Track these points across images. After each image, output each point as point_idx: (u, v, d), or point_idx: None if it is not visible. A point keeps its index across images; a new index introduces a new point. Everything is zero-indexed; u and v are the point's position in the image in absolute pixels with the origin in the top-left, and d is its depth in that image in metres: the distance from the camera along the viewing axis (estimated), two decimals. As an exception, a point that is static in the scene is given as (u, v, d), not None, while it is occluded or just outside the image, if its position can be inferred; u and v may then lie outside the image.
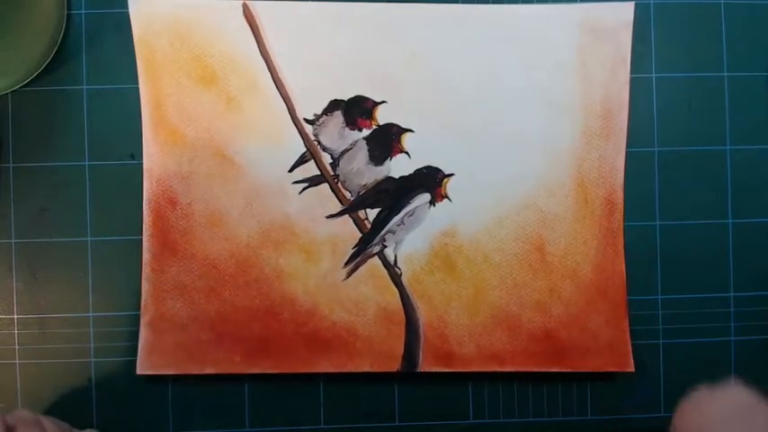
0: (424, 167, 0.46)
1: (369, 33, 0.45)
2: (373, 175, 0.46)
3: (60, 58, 0.45)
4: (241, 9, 0.45)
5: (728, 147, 0.46)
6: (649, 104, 0.46)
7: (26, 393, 0.45)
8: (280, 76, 0.45)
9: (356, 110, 0.45)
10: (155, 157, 0.45)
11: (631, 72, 0.45)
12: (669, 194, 0.46)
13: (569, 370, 0.45)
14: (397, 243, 0.45)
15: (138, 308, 0.44)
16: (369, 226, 0.45)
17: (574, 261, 0.46)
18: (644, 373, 0.45)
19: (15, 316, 0.45)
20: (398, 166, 0.45)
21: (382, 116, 0.45)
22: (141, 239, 0.44)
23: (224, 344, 0.45)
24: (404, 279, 0.45)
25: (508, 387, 0.46)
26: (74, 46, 0.45)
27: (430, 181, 0.45)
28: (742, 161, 0.46)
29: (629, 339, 0.45)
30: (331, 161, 0.46)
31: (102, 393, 0.45)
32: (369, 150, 0.45)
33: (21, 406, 0.44)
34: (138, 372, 0.44)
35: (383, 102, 0.45)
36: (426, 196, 0.45)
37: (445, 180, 0.45)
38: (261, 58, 0.45)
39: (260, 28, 0.45)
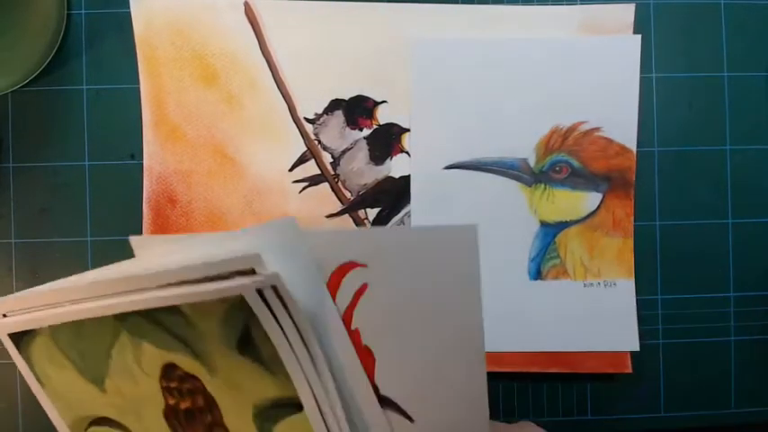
0: (425, 167, 0.46)
1: (370, 33, 0.45)
2: (374, 174, 0.46)
3: (60, 58, 0.45)
4: (242, 8, 0.45)
5: (728, 147, 0.46)
6: (649, 104, 0.46)
7: (26, 393, 0.44)
8: (281, 74, 0.45)
9: (357, 109, 0.45)
10: (155, 155, 0.45)
11: (631, 72, 0.46)
12: (669, 194, 0.46)
13: (568, 371, 0.45)
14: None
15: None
16: (369, 226, 0.45)
17: (574, 261, 0.47)
18: (644, 373, 0.45)
19: (15, 316, 0.45)
20: (398, 166, 0.45)
21: (382, 116, 0.45)
22: (141, 239, 0.44)
23: (224, 344, 0.45)
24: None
25: (508, 387, 0.46)
26: (74, 46, 0.45)
27: (430, 180, 0.46)
28: (742, 161, 0.46)
29: (629, 339, 0.45)
30: (331, 160, 0.46)
31: (102, 393, 0.45)
32: (369, 150, 0.46)
33: (20, 406, 0.44)
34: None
35: (384, 101, 0.45)
36: (427, 196, 0.46)
37: (446, 180, 0.46)
38: (262, 56, 0.45)
39: (261, 26, 0.45)
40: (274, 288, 0.30)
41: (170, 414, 0.34)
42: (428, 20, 0.45)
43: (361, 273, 0.34)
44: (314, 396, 0.31)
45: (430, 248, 0.34)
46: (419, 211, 0.45)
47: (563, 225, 0.45)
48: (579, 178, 0.45)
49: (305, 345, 0.31)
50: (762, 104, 0.47)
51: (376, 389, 0.35)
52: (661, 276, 0.46)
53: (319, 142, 0.46)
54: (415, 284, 0.34)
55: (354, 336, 0.35)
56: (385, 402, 0.35)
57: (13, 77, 0.43)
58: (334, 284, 0.34)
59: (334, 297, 0.34)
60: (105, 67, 0.45)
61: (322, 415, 0.32)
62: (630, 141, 0.45)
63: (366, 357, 0.35)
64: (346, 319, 0.35)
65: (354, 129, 0.46)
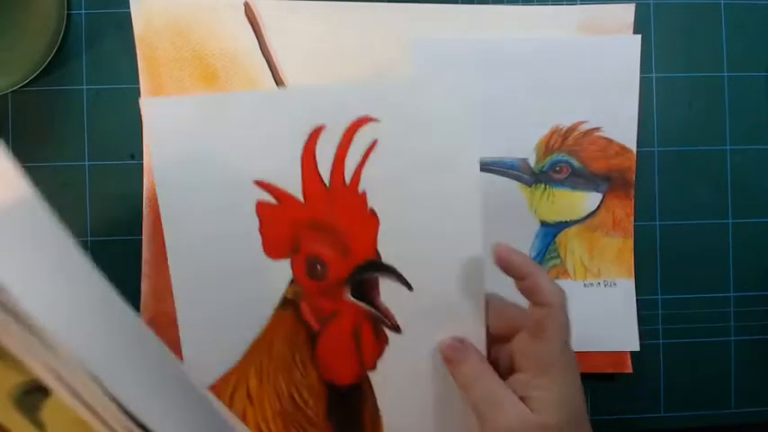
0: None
1: (370, 33, 0.45)
2: (374, 174, 0.46)
3: (60, 58, 0.45)
4: (242, 8, 0.45)
5: (728, 147, 0.46)
6: (649, 104, 0.46)
7: (26, 393, 0.44)
8: (281, 74, 0.45)
9: (357, 109, 0.45)
10: (155, 155, 0.45)
11: (631, 72, 0.46)
12: (669, 194, 0.46)
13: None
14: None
15: (138, 307, 0.44)
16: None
17: (574, 260, 0.47)
18: (644, 373, 0.45)
19: (15, 316, 0.45)
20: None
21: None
22: (141, 239, 0.44)
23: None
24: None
25: (508, 387, 0.46)
26: (74, 46, 0.45)
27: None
28: (742, 161, 0.46)
29: (628, 339, 0.45)
30: (331, 161, 0.46)
31: (102, 393, 0.45)
32: (369, 150, 0.45)
33: (20, 406, 0.44)
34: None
35: (384, 102, 0.45)
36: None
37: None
38: (262, 56, 0.45)
39: (261, 27, 0.45)
40: None
41: None
42: (428, 20, 0.45)
43: (372, 128, 0.35)
44: (55, 373, 0.27)
45: (428, 93, 0.35)
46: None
47: (563, 225, 0.45)
48: (579, 178, 0.45)
49: (18, 321, 0.26)
50: (762, 104, 0.47)
51: (378, 256, 0.36)
52: (661, 276, 0.46)
53: (319, 142, 0.45)
54: (419, 137, 0.35)
55: (361, 200, 0.36)
56: (385, 270, 0.36)
57: (13, 77, 0.43)
58: (345, 143, 0.35)
59: (344, 156, 0.35)
60: (105, 67, 0.45)
61: (74, 391, 0.27)
62: (630, 141, 0.45)
63: (370, 221, 0.36)
64: (354, 182, 0.35)
65: (354, 129, 0.45)
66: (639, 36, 0.45)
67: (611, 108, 0.45)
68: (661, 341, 0.46)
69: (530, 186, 0.45)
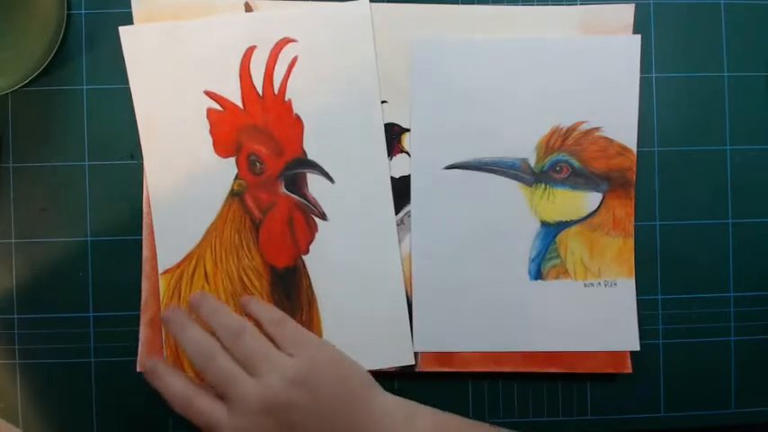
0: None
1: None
2: (374, 174, 0.46)
3: (60, 58, 0.45)
4: (243, 8, 0.45)
5: (728, 147, 0.46)
6: (649, 104, 0.46)
7: (26, 393, 0.44)
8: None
9: (357, 109, 0.46)
10: (155, 155, 0.46)
11: (631, 72, 0.46)
12: (669, 194, 0.46)
13: (568, 371, 0.45)
14: (399, 243, 0.45)
15: (138, 307, 0.44)
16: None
17: (574, 260, 0.47)
18: (644, 373, 0.45)
19: (15, 316, 0.45)
20: (399, 166, 0.45)
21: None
22: (141, 239, 0.44)
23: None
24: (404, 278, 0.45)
25: (508, 387, 0.46)
26: (74, 46, 0.45)
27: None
28: (742, 161, 0.46)
29: (628, 339, 0.45)
30: (331, 160, 0.46)
31: (102, 393, 0.45)
32: (369, 150, 0.46)
33: (21, 406, 0.44)
34: (138, 369, 0.44)
35: (384, 102, 0.45)
36: (427, 195, 0.46)
37: (445, 179, 0.46)
38: (262, 56, 0.46)
39: (261, 27, 0.45)
40: None
41: None
42: (428, 20, 0.45)
43: (293, 47, 0.44)
44: None
45: (331, 22, 0.44)
46: (419, 210, 0.45)
47: (563, 225, 0.45)
48: (579, 178, 0.45)
49: None
50: (762, 104, 0.47)
51: (304, 154, 0.44)
52: (661, 276, 0.46)
53: (319, 142, 0.46)
54: (331, 54, 0.44)
55: (287, 106, 0.44)
56: (311, 166, 0.44)
57: (13, 77, 0.43)
58: (272, 60, 0.44)
59: (272, 70, 0.43)
60: (105, 67, 0.45)
61: None
62: (630, 141, 0.45)
63: (297, 124, 0.44)
64: (281, 92, 0.44)
65: (354, 129, 0.46)
66: (639, 36, 0.45)
67: (611, 108, 0.45)
68: (661, 341, 0.46)
69: (530, 186, 0.45)
